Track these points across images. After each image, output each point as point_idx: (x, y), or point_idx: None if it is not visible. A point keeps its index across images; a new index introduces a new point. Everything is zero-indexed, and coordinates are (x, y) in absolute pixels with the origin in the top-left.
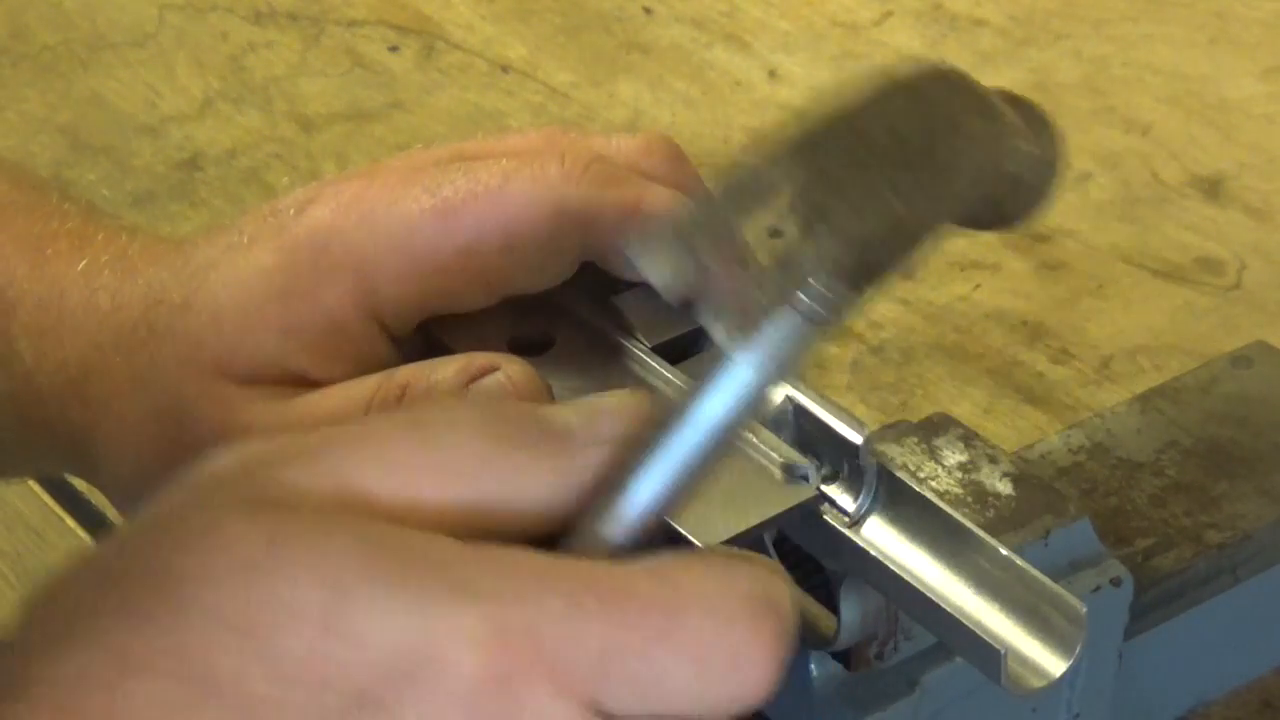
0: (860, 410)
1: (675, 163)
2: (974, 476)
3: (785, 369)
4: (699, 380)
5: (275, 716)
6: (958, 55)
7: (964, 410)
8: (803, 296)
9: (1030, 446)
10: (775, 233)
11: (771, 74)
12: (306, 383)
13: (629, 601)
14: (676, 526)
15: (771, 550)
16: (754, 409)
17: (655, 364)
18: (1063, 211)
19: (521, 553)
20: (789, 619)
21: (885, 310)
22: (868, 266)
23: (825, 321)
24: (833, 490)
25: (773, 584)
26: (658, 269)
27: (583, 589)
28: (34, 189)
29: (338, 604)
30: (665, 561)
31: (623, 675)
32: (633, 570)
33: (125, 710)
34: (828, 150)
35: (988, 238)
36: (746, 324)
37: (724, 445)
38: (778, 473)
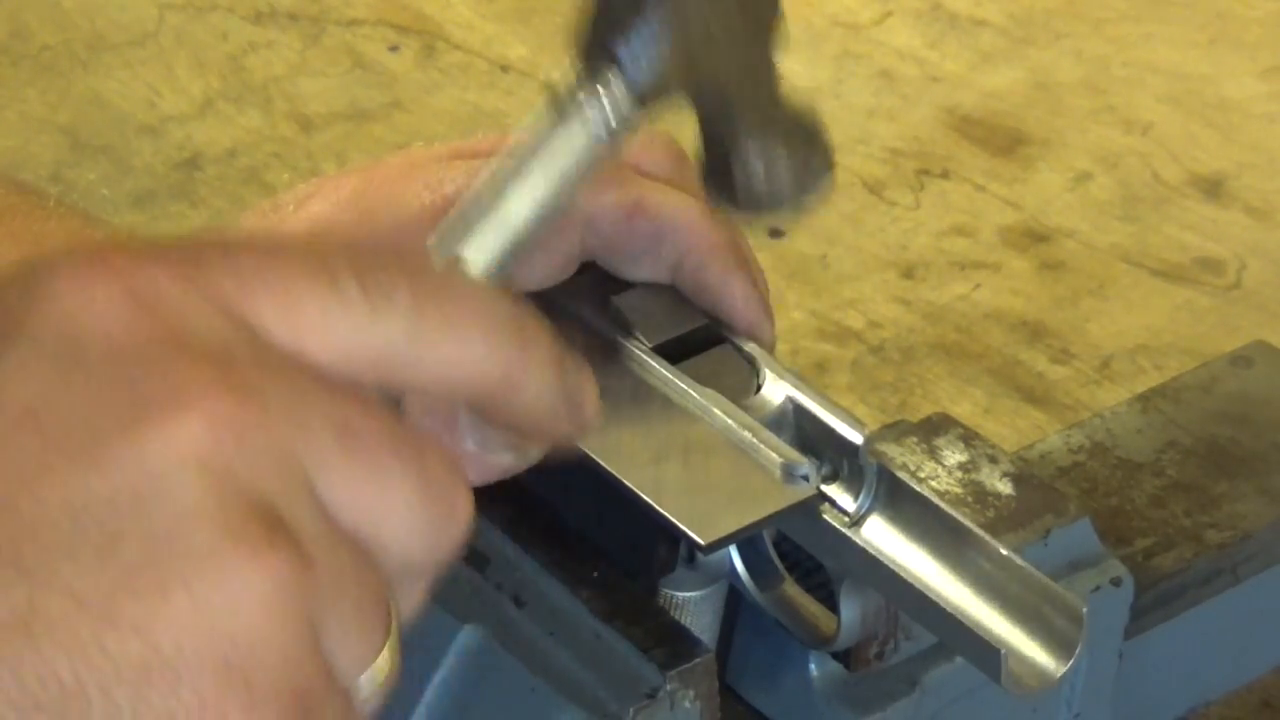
0: (860, 410)
1: (676, 161)
2: (974, 476)
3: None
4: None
5: None
6: (958, 54)
7: (964, 410)
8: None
9: (1030, 446)
10: (775, 233)
11: None
12: None
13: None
14: (677, 524)
15: (771, 550)
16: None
17: (655, 363)
18: (1063, 211)
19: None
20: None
21: (885, 310)
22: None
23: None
24: (833, 490)
25: None
26: None
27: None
28: (33, 193)
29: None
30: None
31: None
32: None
33: None
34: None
35: (989, 238)
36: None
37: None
38: (777, 472)
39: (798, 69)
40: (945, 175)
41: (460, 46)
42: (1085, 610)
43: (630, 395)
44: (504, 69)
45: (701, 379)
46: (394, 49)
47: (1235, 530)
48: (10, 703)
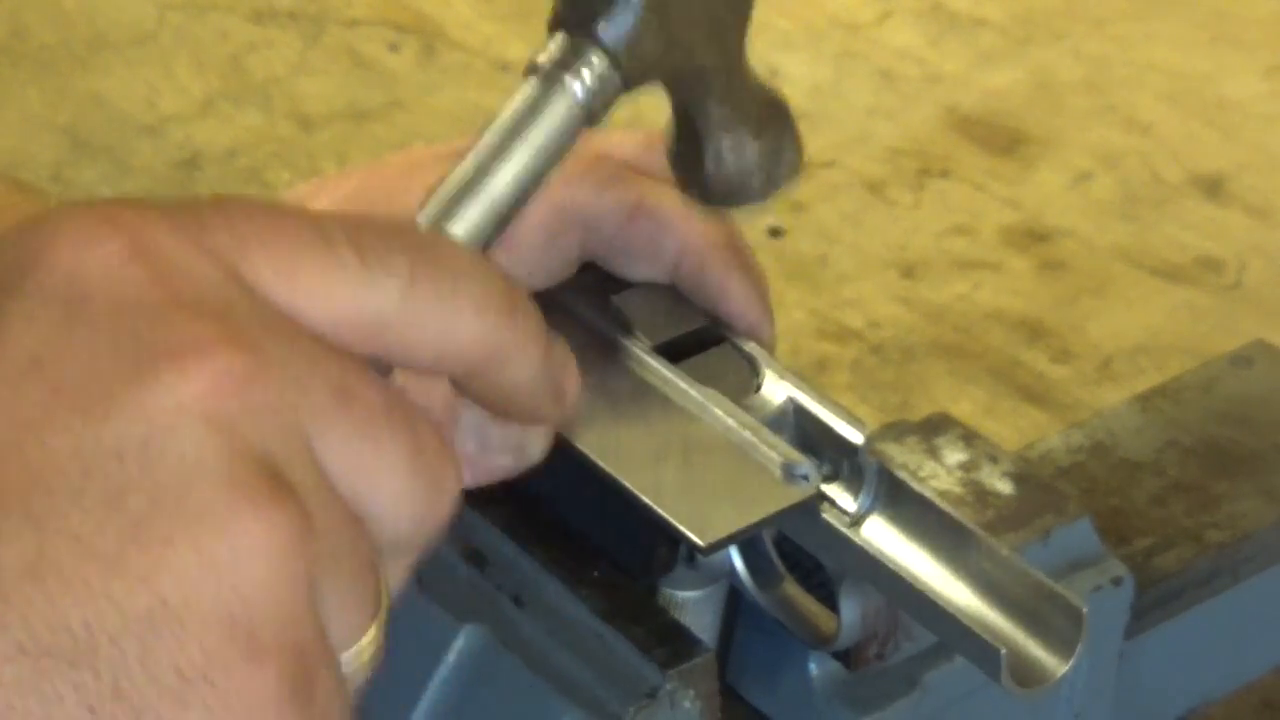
0: (860, 410)
1: None
2: (974, 476)
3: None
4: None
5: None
6: (958, 54)
7: (964, 410)
8: (586, 72)
9: (1030, 446)
10: (776, 233)
11: (772, 73)
12: None
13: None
14: (676, 525)
15: (771, 550)
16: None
17: (655, 363)
18: (1063, 211)
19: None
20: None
21: (885, 310)
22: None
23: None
24: (833, 490)
25: None
26: None
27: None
28: (33, 193)
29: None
30: None
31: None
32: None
33: None
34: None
35: (989, 238)
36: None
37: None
38: (778, 472)
39: (797, 68)
40: (945, 175)
41: (460, 46)
42: (1085, 610)
43: (630, 395)
44: (504, 68)
45: (701, 379)
46: (394, 49)
47: (1235, 530)
48: (20, 648)
